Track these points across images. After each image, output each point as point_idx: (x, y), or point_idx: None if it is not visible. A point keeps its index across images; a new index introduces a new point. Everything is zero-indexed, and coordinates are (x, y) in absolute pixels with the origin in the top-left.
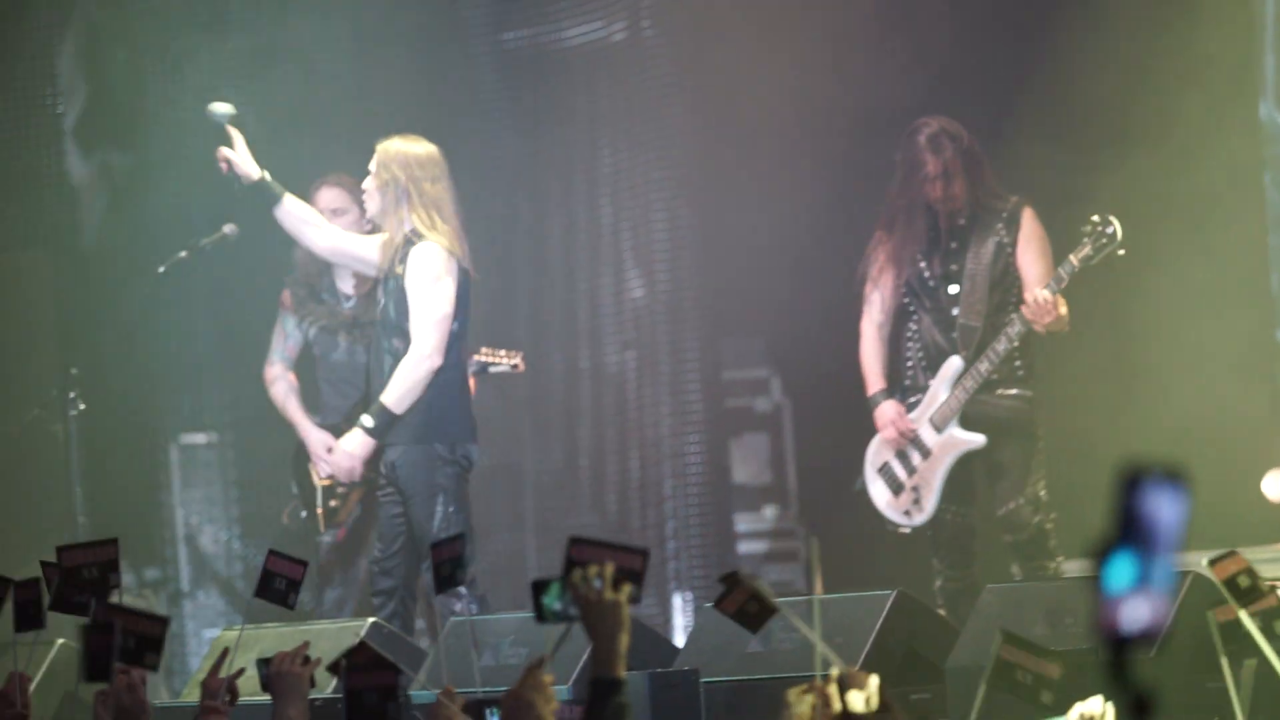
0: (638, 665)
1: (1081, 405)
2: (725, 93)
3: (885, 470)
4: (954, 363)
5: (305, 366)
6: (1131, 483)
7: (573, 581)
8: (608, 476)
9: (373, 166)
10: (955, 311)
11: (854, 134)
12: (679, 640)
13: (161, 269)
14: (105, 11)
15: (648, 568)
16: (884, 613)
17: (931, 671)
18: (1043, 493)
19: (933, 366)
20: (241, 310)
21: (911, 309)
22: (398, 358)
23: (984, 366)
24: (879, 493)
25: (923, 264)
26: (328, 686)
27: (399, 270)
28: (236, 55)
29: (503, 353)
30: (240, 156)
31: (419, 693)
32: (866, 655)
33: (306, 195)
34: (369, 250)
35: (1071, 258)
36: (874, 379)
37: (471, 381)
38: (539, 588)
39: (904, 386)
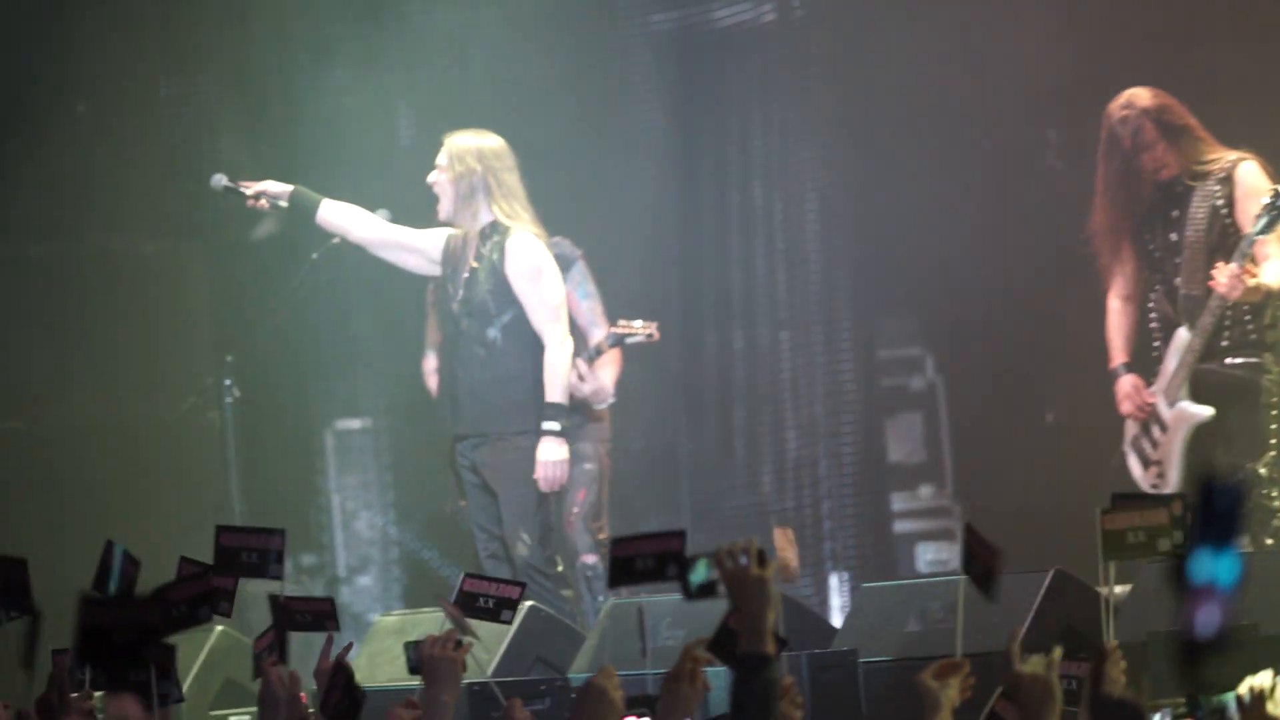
0: (796, 646)
1: None
2: (877, 71)
3: (1135, 444)
4: (1180, 335)
5: None
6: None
7: (719, 558)
8: (763, 457)
9: (443, 160)
10: (1177, 282)
11: (1009, 111)
12: (836, 621)
13: (315, 255)
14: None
15: (685, 547)
16: (1041, 591)
17: (1089, 648)
18: (1269, 461)
19: (1168, 339)
20: (395, 296)
21: (1149, 282)
22: (492, 349)
23: (1200, 340)
24: (1134, 466)
25: (1146, 236)
26: (486, 670)
27: (477, 264)
28: (386, 44)
29: (638, 323)
30: (264, 184)
31: (577, 675)
32: (1025, 633)
33: None
34: (426, 242)
35: (1250, 230)
36: (1116, 352)
37: (617, 355)
38: (686, 565)
39: (1151, 360)
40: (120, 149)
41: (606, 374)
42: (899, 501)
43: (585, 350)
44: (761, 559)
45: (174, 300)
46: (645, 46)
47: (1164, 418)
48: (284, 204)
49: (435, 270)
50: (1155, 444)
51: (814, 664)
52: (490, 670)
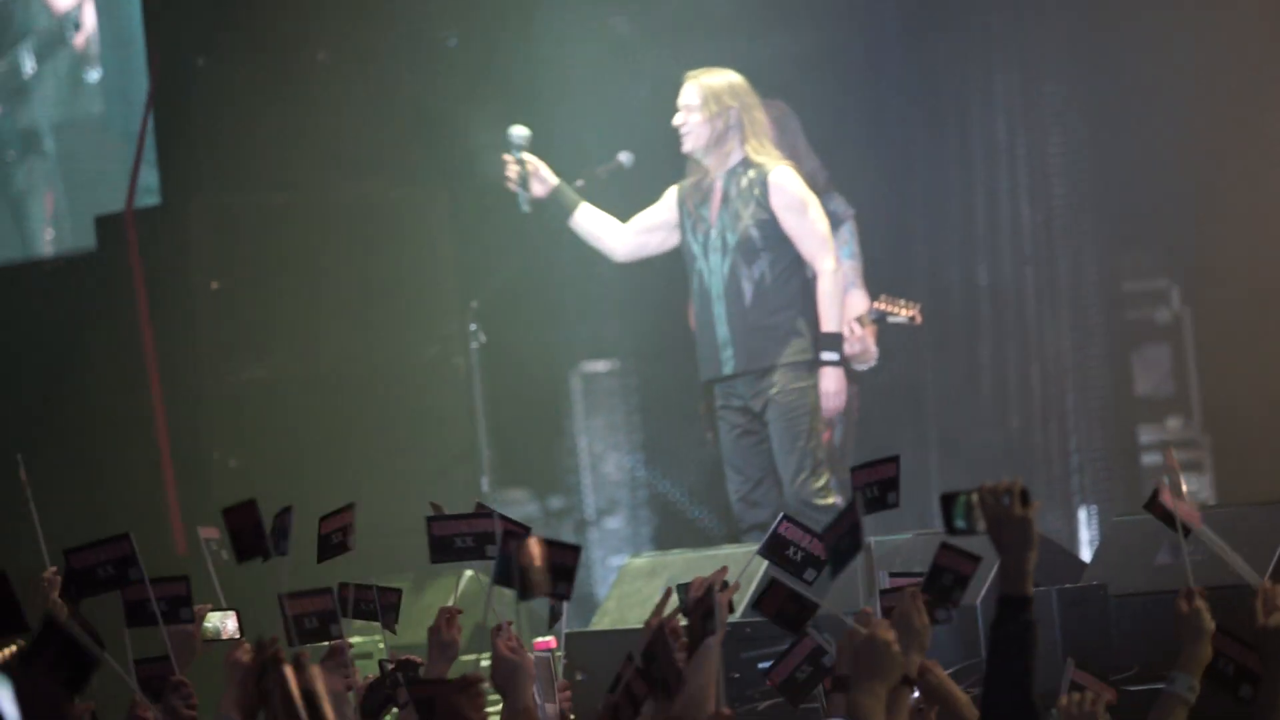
0: (1044, 581)
1: None
2: (1119, 3)
3: None
4: None
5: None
6: None
7: (982, 497)
8: (1009, 393)
9: (694, 100)
10: None
11: (1255, 37)
12: (1085, 555)
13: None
14: None
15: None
16: None
17: None
18: None
19: None
20: None
21: None
22: (760, 285)
23: None
24: None
25: None
26: (738, 611)
27: (731, 203)
28: None
29: (901, 303)
30: (539, 169)
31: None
32: (1275, 566)
33: None
34: (660, 214)
35: None
36: None
37: (870, 331)
38: (948, 501)
39: None
40: (362, 97)
41: (870, 339)
42: (1146, 434)
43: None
44: (1025, 499)
45: (418, 247)
46: None
47: None
48: (536, 194)
49: (678, 237)
50: None
51: (1063, 599)
52: (739, 611)
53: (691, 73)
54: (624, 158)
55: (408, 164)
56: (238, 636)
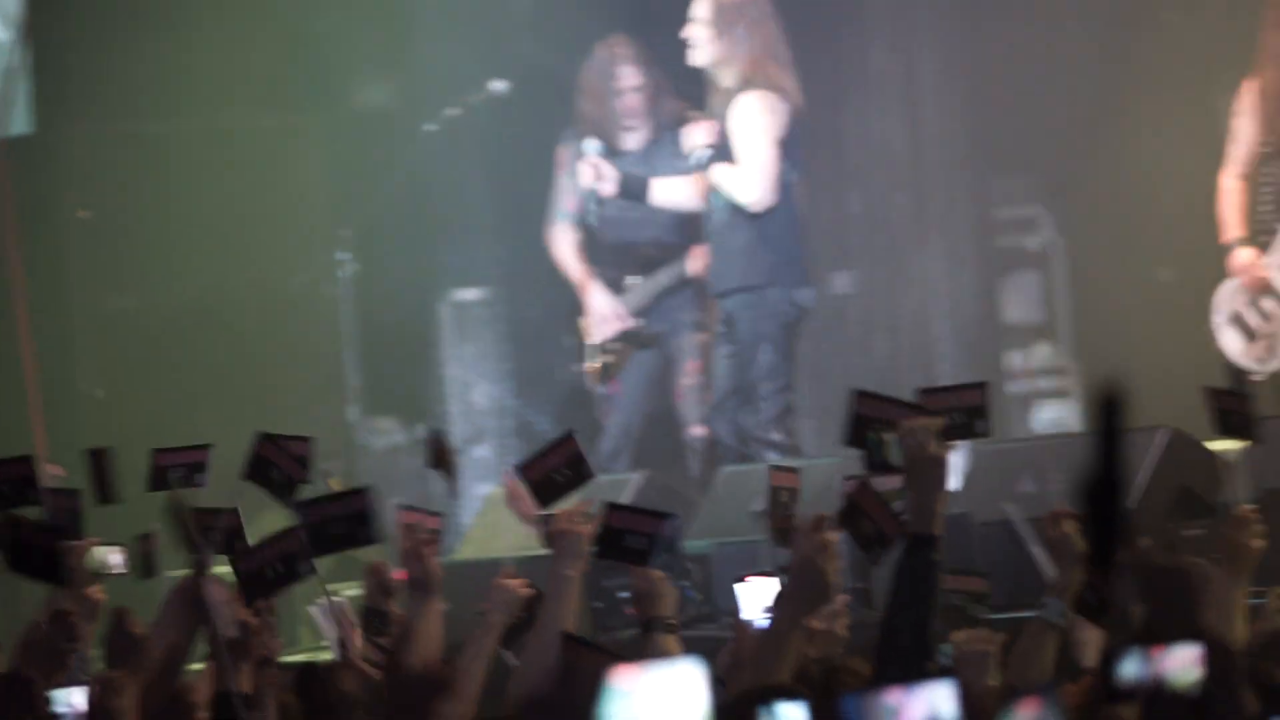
0: None
1: None
2: None
3: (1237, 319)
4: None
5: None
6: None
7: (902, 434)
8: (876, 320)
9: (707, 14)
10: None
11: None
12: (955, 482)
13: (431, 126)
14: None
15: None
16: (1158, 451)
17: (1204, 509)
18: None
19: None
20: (512, 167)
21: (1269, 152)
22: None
23: None
24: (1231, 340)
25: None
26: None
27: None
28: None
29: None
30: (606, 170)
31: (694, 542)
32: (1141, 493)
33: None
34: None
35: None
36: (1231, 226)
37: None
38: (865, 438)
39: (1256, 232)
40: (235, 24)
41: None
42: (1016, 361)
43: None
44: (942, 439)
45: (291, 176)
46: None
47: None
48: (607, 193)
49: None
50: (1266, 316)
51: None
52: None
53: None
54: (496, 86)
55: (280, 92)
56: (124, 571)
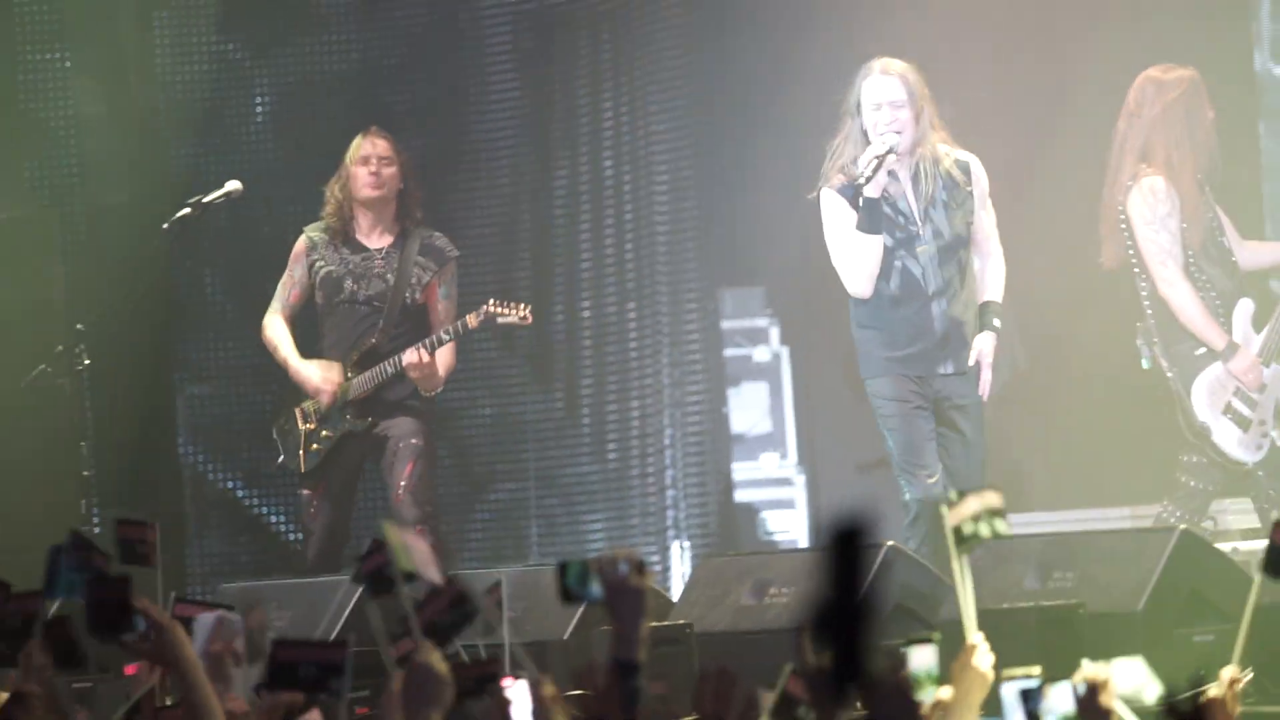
0: None
1: None
2: (728, 43)
3: (1230, 410)
4: (1246, 305)
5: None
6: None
7: (599, 565)
8: (607, 427)
9: (902, 96)
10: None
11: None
12: (678, 590)
13: (166, 225)
14: None
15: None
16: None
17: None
18: None
19: (1227, 310)
20: (245, 264)
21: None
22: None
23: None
24: (1226, 431)
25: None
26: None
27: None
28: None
29: (512, 305)
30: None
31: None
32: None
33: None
34: None
35: None
36: (1218, 334)
37: (452, 348)
38: (563, 569)
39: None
40: None
41: (441, 363)
42: (742, 471)
43: (428, 339)
44: (641, 569)
45: (25, 268)
46: (501, 19)
47: (1265, 380)
48: None
49: None
50: (1254, 404)
51: (651, 637)
52: None
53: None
54: (231, 186)
55: (13, 183)
56: None
